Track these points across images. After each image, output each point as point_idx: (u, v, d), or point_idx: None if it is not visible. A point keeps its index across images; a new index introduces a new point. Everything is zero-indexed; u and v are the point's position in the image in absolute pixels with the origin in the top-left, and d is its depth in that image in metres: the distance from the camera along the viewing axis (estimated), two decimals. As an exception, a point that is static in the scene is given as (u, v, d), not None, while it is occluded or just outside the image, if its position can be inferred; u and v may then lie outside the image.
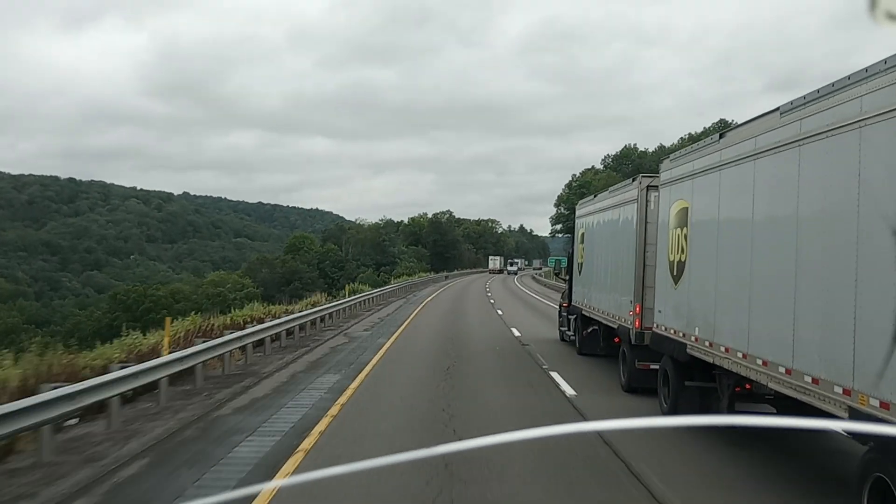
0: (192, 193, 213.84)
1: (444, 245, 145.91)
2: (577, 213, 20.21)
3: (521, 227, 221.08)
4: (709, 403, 10.51)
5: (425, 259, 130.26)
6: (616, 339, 16.16)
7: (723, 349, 8.80)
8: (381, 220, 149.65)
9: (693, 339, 9.84)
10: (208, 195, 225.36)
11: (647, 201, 13.23)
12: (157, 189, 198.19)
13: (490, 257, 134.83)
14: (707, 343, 9.31)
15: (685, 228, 10.44)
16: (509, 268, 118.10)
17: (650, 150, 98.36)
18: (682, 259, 10.51)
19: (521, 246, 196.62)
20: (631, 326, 13.30)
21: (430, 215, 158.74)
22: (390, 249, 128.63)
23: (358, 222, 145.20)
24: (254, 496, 6.45)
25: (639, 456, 8.55)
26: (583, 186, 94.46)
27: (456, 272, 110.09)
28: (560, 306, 22.79)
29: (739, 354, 8.27)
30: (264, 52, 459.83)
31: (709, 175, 9.51)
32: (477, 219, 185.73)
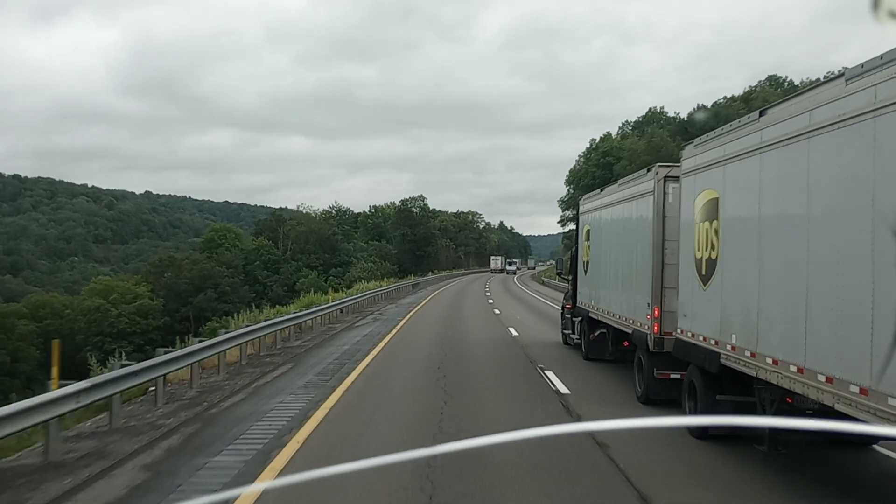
0: (154, 192, 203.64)
1: (416, 240, 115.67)
2: (582, 208, 18.98)
3: (502, 224, 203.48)
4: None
5: (391, 258, 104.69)
6: (626, 343, 14.98)
7: (769, 361, 7.55)
8: (332, 207, 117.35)
9: (729, 347, 8.60)
10: (172, 194, 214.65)
11: (664, 193, 12.01)
12: (123, 189, 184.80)
13: (492, 257, 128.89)
14: (748, 353, 8.07)
15: (715, 222, 9.19)
16: (508, 267, 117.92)
17: (681, 115, 76.73)
18: (713, 256, 9.26)
19: (504, 244, 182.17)
20: (648, 331, 12.06)
21: (398, 202, 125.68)
22: (343, 246, 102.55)
23: (301, 210, 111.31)
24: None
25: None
26: (608, 154, 75.52)
27: (431, 276, 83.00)
28: (563, 307, 21.57)
29: (793, 368, 7.03)
30: (241, 49, 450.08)
31: (746, 159, 8.27)
32: (456, 210, 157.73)
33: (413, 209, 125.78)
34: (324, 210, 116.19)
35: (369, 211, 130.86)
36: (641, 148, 64.45)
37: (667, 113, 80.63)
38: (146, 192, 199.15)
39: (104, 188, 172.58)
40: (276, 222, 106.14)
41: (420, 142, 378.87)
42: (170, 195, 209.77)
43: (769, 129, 7.73)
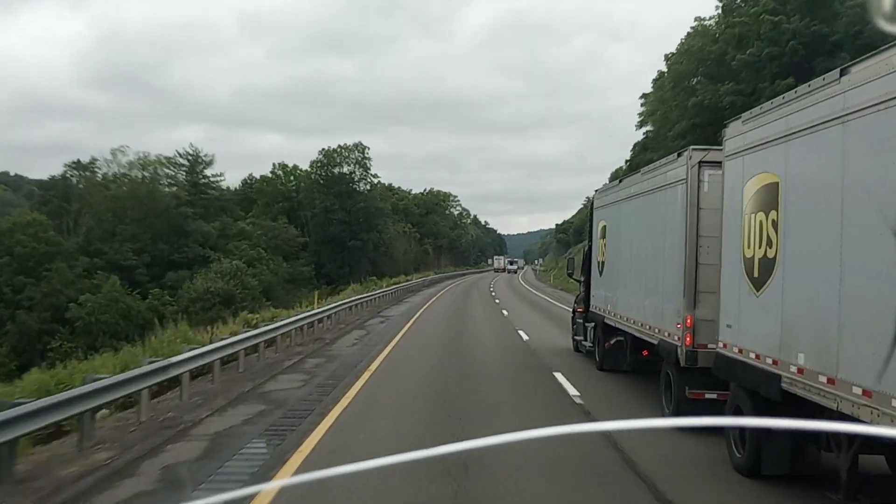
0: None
1: (348, 221, 70.01)
2: (596, 203, 17.22)
3: (476, 219, 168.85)
4: (810, 456, 7.57)
5: (296, 251, 65.69)
6: (645, 353, 13.32)
7: (858, 391, 5.81)
8: (186, 153, 65.87)
9: (794, 369, 6.85)
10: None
11: (699, 181, 10.27)
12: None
13: (495, 257, 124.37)
14: (823, 379, 6.32)
15: (773, 212, 7.44)
16: (510, 266, 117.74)
17: None
18: (769, 255, 7.52)
19: (479, 240, 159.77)
20: (679, 343, 10.31)
21: (320, 155, 75.64)
22: (198, 228, 58.74)
23: (114, 170, 62.22)
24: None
25: None
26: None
27: (346, 298, 33.37)
28: (573, 311, 19.84)
29: (897, 403, 5.29)
30: (214, 40, 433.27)
31: (821, 132, 6.51)
32: (424, 189, 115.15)
33: (343, 167, 74.22)
34: (159, 157, 64.05)
35: (274, 174, 78.49)
36: None
37: None
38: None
39: (29, 177, 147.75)
40: (66, 185, 61.24)
41: (396, 140, 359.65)
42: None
43: (856, 91, 5.98)
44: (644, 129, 52.73)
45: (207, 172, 68.03)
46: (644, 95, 52.50)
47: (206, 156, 67.52)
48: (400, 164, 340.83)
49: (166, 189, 62.32)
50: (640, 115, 52.89)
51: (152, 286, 49.48)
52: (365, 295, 35.78)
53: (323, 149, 76.61)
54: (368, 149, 78.11)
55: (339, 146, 76.26)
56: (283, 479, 7.55)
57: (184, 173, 66.16)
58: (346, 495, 6.69)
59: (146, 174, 62.88)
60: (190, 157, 66.24)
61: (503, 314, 31.84)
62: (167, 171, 65.42)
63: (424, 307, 36.26)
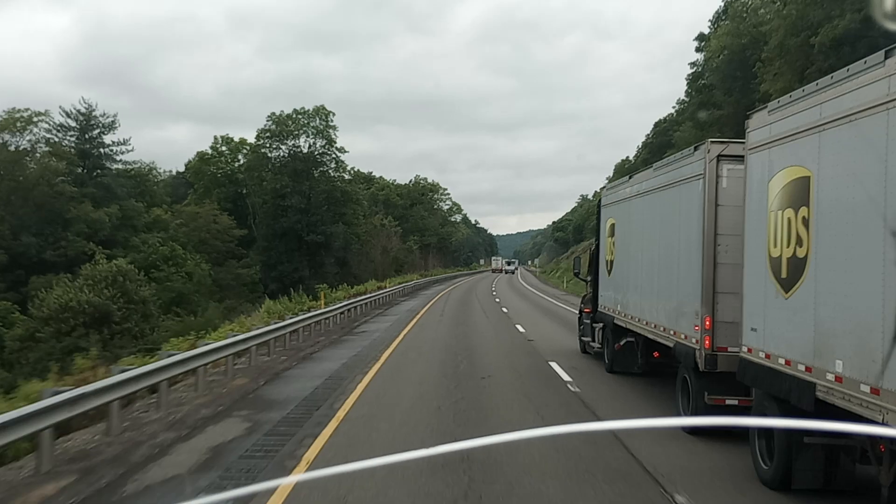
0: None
1: (306, 209, 54.52)
2: (604, 200, 16.73)
3: (465, 218, 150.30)
4: (844, 469, 7.08)
5: (245, 251, 52.69)
6: (656, 354, 12.91)
7: (909, 403, 5.31)
8: (77, 110, 46.38)
9: (830, 377, 6.35)
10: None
11: (717, 176, 9.78)
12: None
13: (493, 258, 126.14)
14: (866, 388, 5.82)
15: (804, 209, 6.94)
16: (507, 267, 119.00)
17: None
18: (799, 254, 7.02)
19: (470, 239, 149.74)
20: (697, 346, 9.82)
21: (270, 123, 57.88)
22: (81, 213, 41.63)
23: None
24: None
25: None
26: None
27: (239, 335, 15.28)
28: (580, 312, 19.37)
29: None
30: (203, 38, 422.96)
31: (862, 121, 6.00)
32: (411, 180, 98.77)
33: (300, 138, 56.11)
34: (29, 115, 43.63)
35: (215, 149, 60.79)
36: None
37: None
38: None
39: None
40: None
41: (383, 139, 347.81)
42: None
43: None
44: (687, 88, 45.36)
45: (108, 139, 48.77)
46: (701, 37, 43.34)
47: (104, 116, 47.60)
48: (385, 164, 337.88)
49: (48, 161, 43.00)
50: (693, 64, 44.15)
51: (10, 297, 34.62)
52: (269, 329, 17.72)
53: (272, 113, 57.60)
54: (333, 114, 59.14)
55: (295, 110, 57.14)
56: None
57: (72, 139, 46.98)
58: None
59: (20, 141, 44.17)
60: (81, 118, 45.72)
61: (570, 390, 13.36)
62: (46, 135, 46.17)
63: (384, 357, 17.14)
